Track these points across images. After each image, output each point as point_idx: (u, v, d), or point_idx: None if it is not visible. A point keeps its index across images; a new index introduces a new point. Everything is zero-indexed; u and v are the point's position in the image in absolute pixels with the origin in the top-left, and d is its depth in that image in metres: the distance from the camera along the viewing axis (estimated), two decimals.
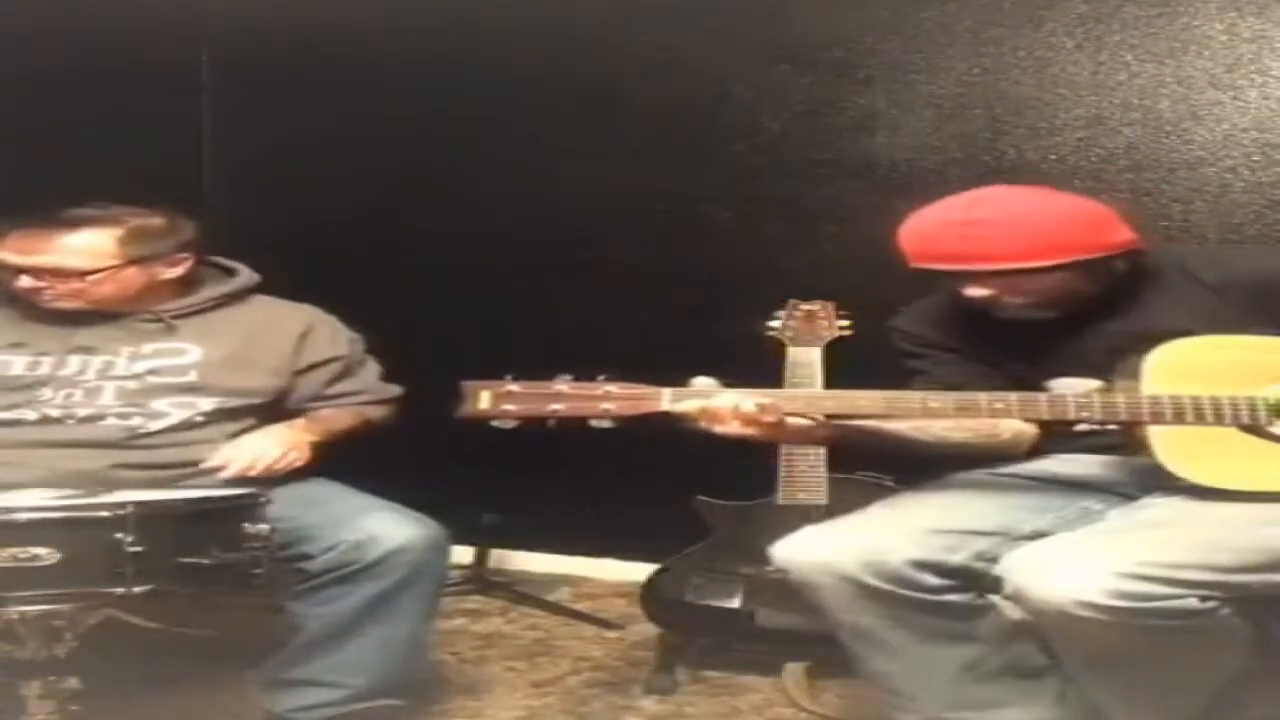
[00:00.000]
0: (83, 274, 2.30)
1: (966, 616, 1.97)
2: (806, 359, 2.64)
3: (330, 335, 2.52)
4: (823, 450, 2.64)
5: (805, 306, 2.69)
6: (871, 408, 1.90)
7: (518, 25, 3.40)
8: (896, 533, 1.96)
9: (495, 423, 1.86)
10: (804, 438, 1.97)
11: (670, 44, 3.30)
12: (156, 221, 2.39)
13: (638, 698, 2.66)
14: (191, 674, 2.49)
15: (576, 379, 1.86)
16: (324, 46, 3.57)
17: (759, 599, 2.64)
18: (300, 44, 3.60)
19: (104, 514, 1.82)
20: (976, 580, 1.96)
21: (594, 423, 1.85)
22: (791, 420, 1.92)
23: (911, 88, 3.10)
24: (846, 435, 2.02)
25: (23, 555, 1.76)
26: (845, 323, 2.68)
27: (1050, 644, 1.93)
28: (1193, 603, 1.74)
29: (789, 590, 2.52)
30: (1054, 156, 2.99)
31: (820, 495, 2.63)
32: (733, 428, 1.87)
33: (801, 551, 2.00)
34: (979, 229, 2.02)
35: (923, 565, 1.92)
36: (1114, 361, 1.97)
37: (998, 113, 3.04)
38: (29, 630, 1.84)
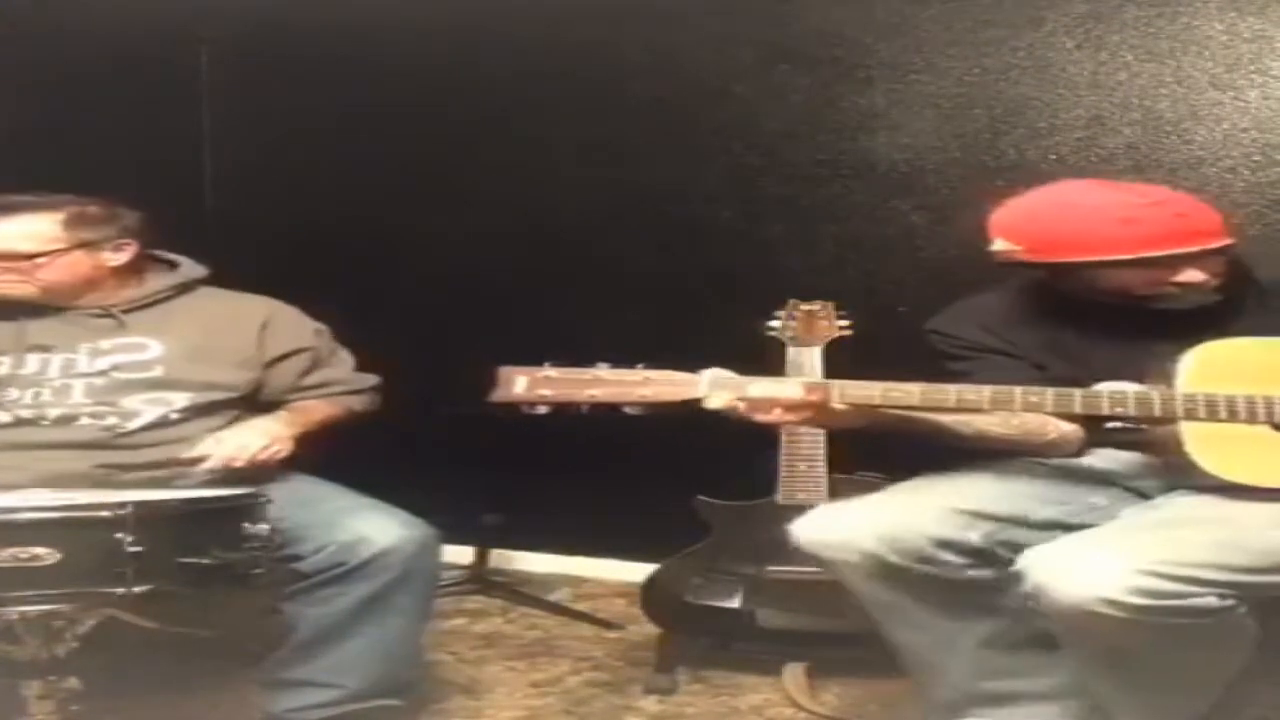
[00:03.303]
0: (29, 257, 2.29)
1: (989, 591, 1.99)
2: (806, 359, 2.64)
3: (293, 325, 2.51)
4: (823, 450, 2.64)
5: (805, 306, 2.69)
6: (906, 399, 1.89)
7: (518, 25, 3.41)
8: (916, 510, 1.98)
9: (528, 408, 1.86)
10: (843, 421, 1.96)
11: (670, 44, 3.30)
12: (96, 207, 2.38)
13: (638, 698, 2.66)
14: (191, 674, 2.48)
15: (614, 366, 1.87)
16: (324, 47, 3.57)
17: (759, 599, 2.64)
18: (300, 44, 3.60)
19: (104, 514, 1.81)
20: (991, 562, 1.97)
21: (627, 410, 1.85)
22: (833, 405, 1.90)
23: (911, 88, 3.10)
24: (884, 422, 1.98)
25: (23, 555, 1.76)
26: (845, 323, 2.68)
27: (1065, 642, 1.93)
28: (1211, 601, 1.75)
29: (789, 590, 2.54)
30: (1054, 156, 2.99)
31: (820, 495, 2.63)
32: (774, 415, 1.88)
33: (822, 529, 2.01)
34: (1181, 207, 2.04)
35: (942, 543, 1.94)
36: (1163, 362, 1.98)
37: (998, 113, 3.04)
38: (29, 630, 1.84)
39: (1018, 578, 1.87)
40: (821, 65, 3.17)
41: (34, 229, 2.31)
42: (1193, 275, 2.03)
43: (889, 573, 1.95)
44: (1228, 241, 2.04)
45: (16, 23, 3.65)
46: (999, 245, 2.09)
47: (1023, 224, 2.08)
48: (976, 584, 1.98)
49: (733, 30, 3.25)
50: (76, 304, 2.37)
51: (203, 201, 3.66)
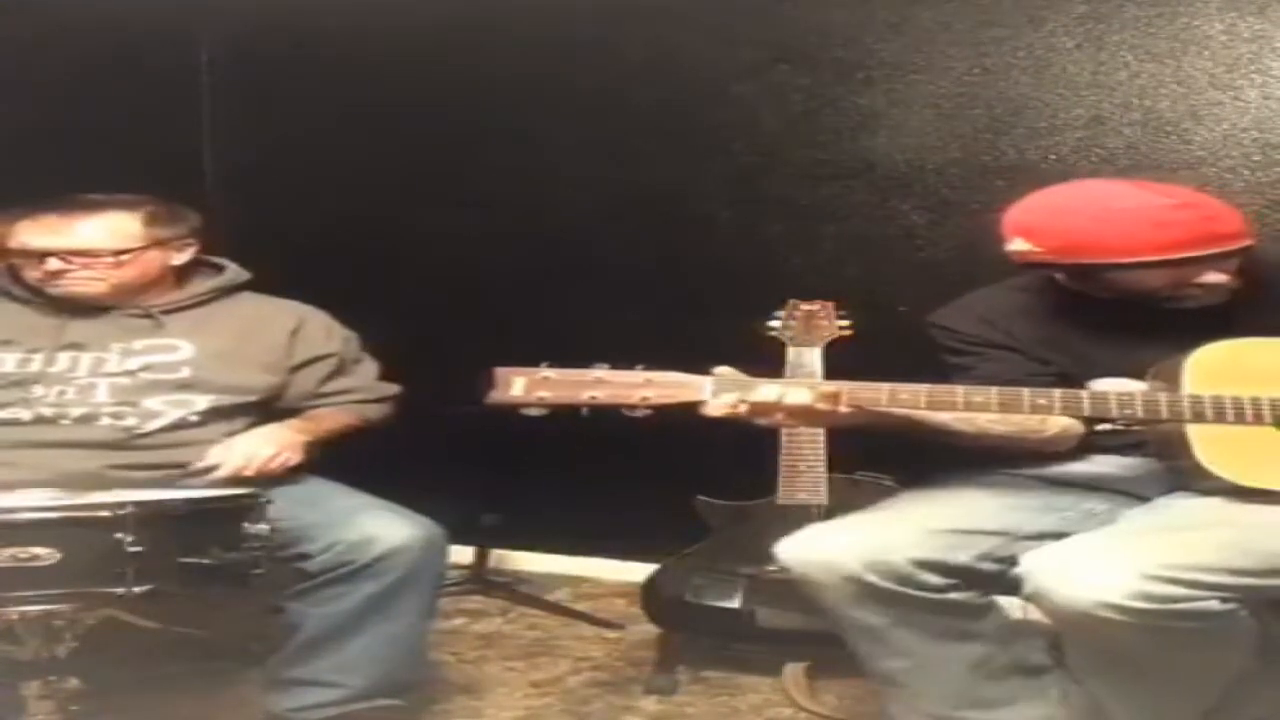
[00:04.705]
0: (113, 254, 2.33)
1: (970, 615, 1.98)
2: (807, 359, 2.64)
3: (323, 331, 2.52)
4: (823, 450, 2.64)
5: (805, 306, 2.69)
6: (913, 401, 1.88)
7: (517, 25, 3.40)
8: (900, 532, 1.96)
9: (526, 411, 1.85)
10: (843, 424, 1.95)
11: (670, 44, 3.30)
12: (167, 207, 2.43)
13: (638, 698, 2.66)
14: (191, 674, 2.49)
15: (614, 367, 1.86)
16: (324, 46, 3.57)
17: (759, 599, 2.64)
18: (300, 44, 3.60)
19: (104, 514, 1.82)
20: (980, 580, 1.96)
21: (628, 412, 1.84)
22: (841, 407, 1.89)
23: (911, 88, 3.10)
24: (883, 421, 1.95)
25: (23, 555, 1.76)
26: (845, 323, 2.68)
27: (1065, 645, 1.93)
28: (1214, 604, 1.75)
29: (789, 590, 2.53)
30: (1054, 156, 2.99)
31: (820, 495, 2.63)
32: (779, 418, 1.87)
33: (805, 550, 1.99)
34: (1210, 209, 2.03)
35: (926, 565, 1.92)
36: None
37: (998, 113, 3.03)
38: (29, 630, 1.84)
39: (1017, 581, 1.87)
40: (821, 65, 3.17)
41: (117, 226, 2.35)
42: (1215, 276, 2.02)
43: (871, 595, 1.93)
44: (1251, 242, 2.04)
45: (17, 23, 3.65)
46: (1017, 245, 2.06)
47: (1047, 225, 2.04)
48: (958, 608, 1.96)
49: (733, 30, 3.24)
50: (123, 304, 2.39)
51: (203, 202, 3.64)
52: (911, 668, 2.00)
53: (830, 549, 1.96)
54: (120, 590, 1.80)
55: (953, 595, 1.95)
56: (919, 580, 1.92)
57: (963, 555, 1.95)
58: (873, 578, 1.91)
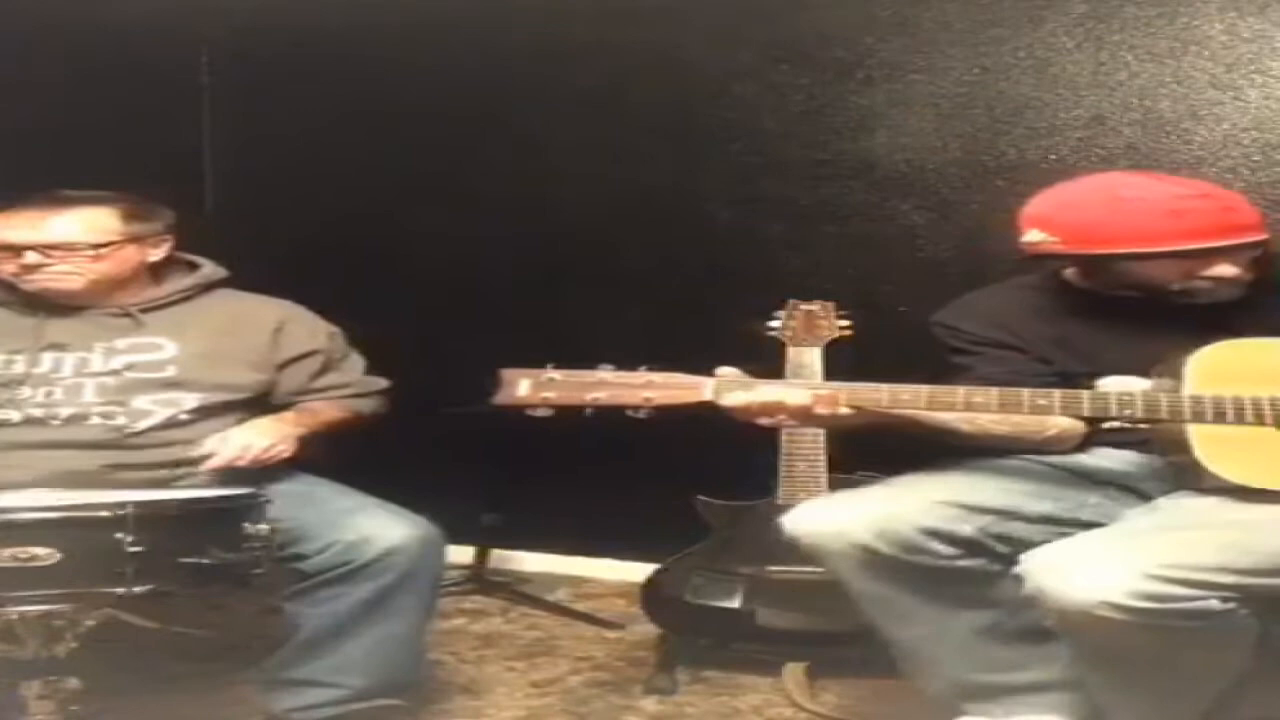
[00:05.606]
0: (92, 248, 2.32)
1: (981, 582, 1.99)
2: (807, 359, 2.64)
3: (307, 328, 2.52)
4: (823, 450, 2.64)
5: (805, 306, 2.69)
6: (913, 402, 1.89)
7: (518, 25, 3.41)
8: (908, 502, 1.98)
9: (531, 411, 1.86)
10: (844, 424, 1.96)
11: (670, 44, 3.30)
12: (144, 202, 2.42)
13: (638, 698, 2.66)
14: (191, 674, 2.48)
15: (618, 368, 1.87)
16: (323, 46, 3.57)
17: (759, 599, 2.65)
18: (300, 44, 3.60)
19: (104, 514, 1.81)
20: (986, 554, 1.98)
21: (631, 413, 1.85)
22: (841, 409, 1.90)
23: (911, 88, 3.10)
24: (884, 421, 1.97)
25: (23, 555, 1.76)
26: (845, 323, 2.68)
27: (1065, 644, 1.93)
28: (1214, 604, 1.75)
29: (789, 590, 2.54)
30: (1054, 156, 2.99)
31: (820, 495, 2.63)
32: (780, 420, 1.88)
33: (812, 520, 2.02)
34: (1228, 200, 2.05)
35: (934, 534, 1.94)
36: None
37: (998, 113, 3.04)
38: (29, 630, 1.84)
39: (1018, 579, 1.87)
40: (821, 65, 3.17)
41: (95, 221, 2.34)
42: (1226, 269, 2.03)
43: (879, 563, 1.95)
44: (1267, 236, 2.05)
45: (17, 23, 3.65)
46: (1033, 237, 2.08)
47: (1063, 216, 2.06)
48: (968, 575, 1.98)
49: (733, 30, 3.25)
50: (99, 303, 2.38)
51: (203, 202, 3.66)
52: (922, 634, 2.02)
53: (838, 519, 1.99)
54: (120, 590, 1.79)
55: (962, 562, 1.97)
56: (927, 548, 1.94)
57: (968, 527, 1.96)
58: (881, 546, 1.93)
